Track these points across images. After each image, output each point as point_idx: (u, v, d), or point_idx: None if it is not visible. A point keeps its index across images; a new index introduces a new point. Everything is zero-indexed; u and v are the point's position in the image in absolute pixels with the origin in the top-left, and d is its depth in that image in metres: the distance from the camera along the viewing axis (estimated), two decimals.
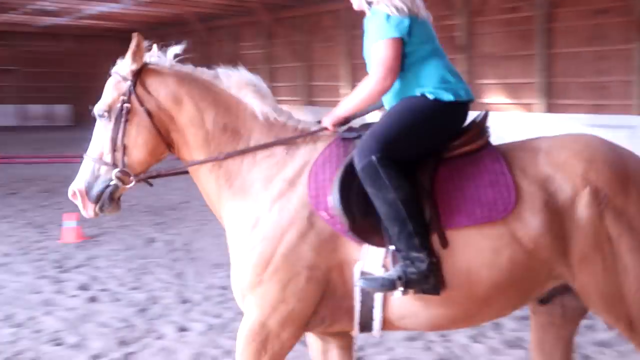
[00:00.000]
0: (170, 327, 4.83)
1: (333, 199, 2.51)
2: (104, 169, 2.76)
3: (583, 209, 2.45)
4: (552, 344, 2.77)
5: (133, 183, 2.77)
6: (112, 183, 2.75)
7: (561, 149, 2.57)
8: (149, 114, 2.74)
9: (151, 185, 2.96)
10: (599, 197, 2.44)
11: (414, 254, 2.44)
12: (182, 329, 4.81)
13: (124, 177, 2.76)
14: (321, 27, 23.12)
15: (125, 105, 2.74)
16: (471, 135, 2.66)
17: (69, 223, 7.67)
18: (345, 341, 2.85)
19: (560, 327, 2.76)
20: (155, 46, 2.90)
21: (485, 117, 2.74)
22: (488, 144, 2.68)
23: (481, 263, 2.47)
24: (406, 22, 2.62)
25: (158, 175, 2.87)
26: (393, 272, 2.45)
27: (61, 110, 34.22)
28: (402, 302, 2.54)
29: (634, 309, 2.46)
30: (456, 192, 2.52)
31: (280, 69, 25.69)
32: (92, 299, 5.54)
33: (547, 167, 2.52)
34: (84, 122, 33.72)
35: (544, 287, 2.59)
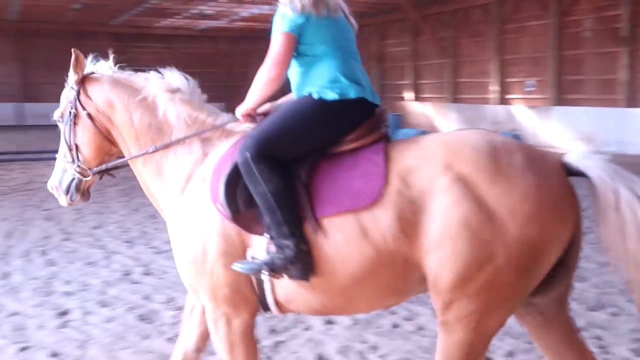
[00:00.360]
0: (318, 319, 4.94)
1: (220, 192, 2.74)
2: (68, 165, 3.22)
3: (437, 197, 2.47)
4: (554, 341, 2.74)
5: (90, 177, 3.22)
6: (75, 177, 3.21)
7: (436, 142, 2.63)
8: (90, 116, 3.17)
9: (114, 176, 3.41)
10: (460, 186, 2.45)
11: (283, 241, 2.62)
12: (329, 322, 4.91)
13: (82, 171, 3.21)
14: (470, 22, 22.54)
15: (72, 110, 3.20)
16: (361, 132, 2.77)
17: None
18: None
19: (551, 322, 2.72)
20: (92, 56, 3.39)
21: (380, 114, 2.84)
22: (381, 139, 2.76)
23: (346, 250, 2.58)
24: (299, 20, 2.78)
25: (107, 170, 3.27)
26: (265, 257, 2.66)
27: (217, 108, 36.18)
28: (285, 287, 2.72)
29: (470, 293, 2.47)
30: (330, 183, 2.66)
31: (426, 66, 25.37)
32: None
33: (416, 160, 2.59)
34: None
35: (407, 280, 2.60)
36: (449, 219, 2.45)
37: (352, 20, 3.01)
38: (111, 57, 3.39)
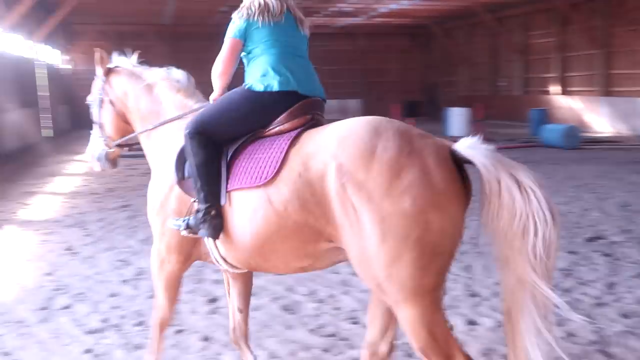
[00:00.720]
0: (460, 319, 4.85)
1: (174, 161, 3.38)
2: (98, 140, 4.02)
3: (330, 181, 2.79)
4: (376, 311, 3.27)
5: (113, 149, 4.01)
6: (103, 149, 4.00)
7: (333, 131, 2.96)
8: (111, 102, 3.94)
9: (129, 150, 4.10)
10: (342, 172, 2.75)
11: (199, 205, 3.19)
12: (471, 323, 4.81)
13: (107, 144, 4.01)
14: (625, 10, 21.01)
15: (99, 97, 3.98)
16: (284, 119, 3.19)
17: None
18: (243, 278, 3.84)
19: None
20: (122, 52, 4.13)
21: (305, 104, 3.23)
22: (302, 126, 3.15)
23: (246, 218, 3.05)
24: (243, 27, 3.35)
25: (124, 144, 4.02)
26: (186, 217, 3.27)
27: (352, 104, 36.57)
28: (221, 246, 3.26)
29: (379, 273, 2.70)
30: (245, 162, 3.13)
31: (574, 57, 24.02)
32: None
33: (316, 147, 2.92)
34: (372, 114, 35.80)
35: (317, 247, 2.95)
36: (340, 202, 2.76)
37: (304, 23, 3.52)
38: (135, 54, 4.07)
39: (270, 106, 3.23)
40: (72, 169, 14.87)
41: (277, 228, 2.96)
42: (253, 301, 5.32)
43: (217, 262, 3.37)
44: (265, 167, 3.03)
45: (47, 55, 26.11)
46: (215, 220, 3.15)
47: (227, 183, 3.16)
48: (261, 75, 3.29)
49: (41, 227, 8.35)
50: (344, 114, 34.23)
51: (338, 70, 36.45)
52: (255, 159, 3.09)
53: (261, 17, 3.33)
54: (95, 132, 4.04)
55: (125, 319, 5.03)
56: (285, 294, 5.57)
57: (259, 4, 3.35)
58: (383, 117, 2.96)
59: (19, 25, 20.40)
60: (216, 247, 3.28)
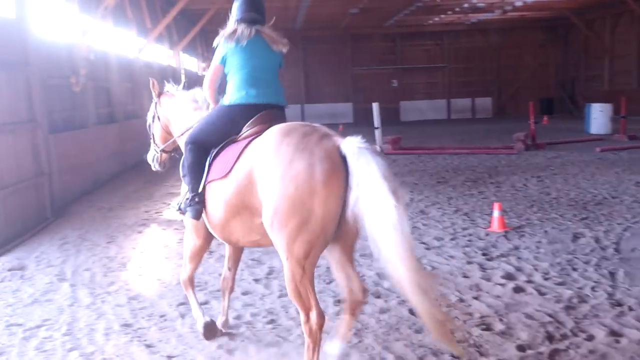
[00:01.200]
0: (601, 330, 4.55)
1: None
2: (153, 146, 5.30)
3: (256, 171, 3.71)
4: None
5: (159, 153, 5.25)
6: (155, 154, 5.28)
7: (263, 135, 3.85)
8: (159, 118, 5.16)
9: (172, 155, 5.30)
10: (259, 166, 3.68)
11: (188, 194, 4.21)
12: (615, 334, 4.49)
13: (157, 149, 5.26)
14: None
15: (153, 114, 5.25)
16: (250, 126, 4.07)
17: (495, 212, 7.92)
18: (237, 250, 4.80)
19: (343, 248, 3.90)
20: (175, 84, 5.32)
21: (263, 115, 4.07)
22: (261, 132, 3.93)
23: (214, 202, 4.02)
24: (222, 54, 4.25)
25: (167, 150, 5.25)
26: (180, 202, 4.37)
27: (482, 102, 35.54)
28: (207, 224, 4.23)
29: (273, 238, 3.66)
30: (219, 161, 4.02)
31: None
32: (518, 289, 5.60)
33: (256, 148, 3.79)
34: (503, 114, 34.54)
35: (255, 221, 3.82)
36: (260, 186, 3.68)
37: (277, 43, 4.30)
38: (182, 83, 5.29)
39: (237, 117, 4.13)
40: None
41: (229, 209, 3.92)
42: (381, 303, 5.34)
43: (215, 236, 4.34)
44: (227, 164, 3.93)
45: (187, 63, 27.64)
46: (197, 205, 4.15)
47: (207, 177, 4.09)
48: (230, 92, 4.22)
49: (181, 227, 8.83)
50: (474, 113, 33.30)
51: (469, 68, 35.58)
52: (224, 158, 3.99)
53: (234, 43, 4.17)
54: (151, 141, 5.33)
55: (257, 316, 5.20)
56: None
57: (231, 32, 4.23)
58: (299, 123, 3.76)
59: (163, 37, 21.80)
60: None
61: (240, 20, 4.27)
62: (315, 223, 3.44)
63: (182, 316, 5.29)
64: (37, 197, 9.49)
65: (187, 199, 4.19)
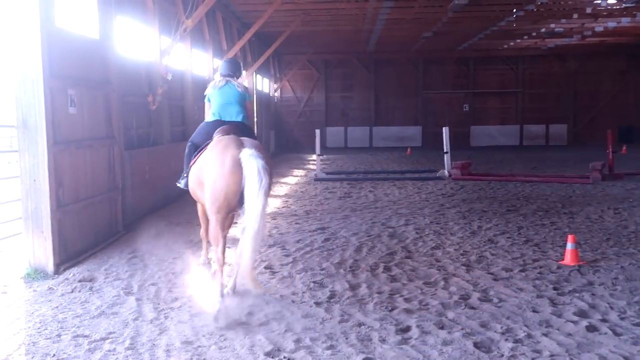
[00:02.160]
0: None
1: None
2: None
3: (202, 164, 6.32)
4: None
5: None
6: None
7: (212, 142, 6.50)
8: None
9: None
10: (196, 168, 6.57)
11: (183, 174, 7.19)
12: None
13: None
14: None
15: None
16: (215, 134, 6.65)
17: (568, 245, 7.59)
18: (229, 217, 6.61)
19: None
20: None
21: (222, 128, 6.72)
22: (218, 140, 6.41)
23: (191, 177, 6.67)
24: (208, 95, 7.27)
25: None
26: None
27: (557, 129, 34.53)
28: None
29: (204, 202, 6.42)
30: (199, 154, 6.63)
31: None
32: (591, 328, 5.31)
33: (206, 150, 6.45)
34: (579, 142, 33.41)
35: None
36: (203, 173, 6.17)
37: (240, 87, 7.23)
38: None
39: (210, 128, 6.92)
40: (276, 190, 15.75)
41: (194, 181, 6.53)
42: (444, 335, 5.16)
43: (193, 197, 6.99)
44: (197, 156, 6.64)
45: (259, 84, 28.13)
46: (185, 179, 7.00)
47: (191, 163, 6.76)
48: (208, 115, 7.21)
49: None
50: (548, 139, 32.22)
51: (544, 94, 34.66)
52: (199, 153, 6.62)
53: (213, 89, 7.24)
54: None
55: (317, 341, 5.12)
56: (480, 330, 5.30)
57: (213, 83, 7.29)
58: (226, 137, 6.23)
59: (238, 58, 22.25)
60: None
61: (221, 75, 7.42)
62: (222, 195, 5.86)
63: (244, 335, 5.27)
64: (110, 211, 9.77)
65: (182, 175, 7.22)
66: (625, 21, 23.15)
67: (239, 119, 7.05)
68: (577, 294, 6.29)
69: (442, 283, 6.78)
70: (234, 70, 7.41)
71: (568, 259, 7.54)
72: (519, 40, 29.58)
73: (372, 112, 34.58)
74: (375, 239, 9.22)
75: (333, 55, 33.94)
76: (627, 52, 33.60)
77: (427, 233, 9.56)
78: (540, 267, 7.39)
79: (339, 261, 7.80)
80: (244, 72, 9.98)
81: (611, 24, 24.03)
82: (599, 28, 25.15)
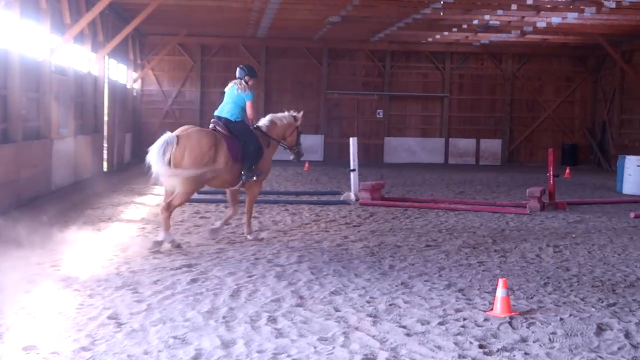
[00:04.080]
0: None
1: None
2: None
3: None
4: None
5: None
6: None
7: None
8: None
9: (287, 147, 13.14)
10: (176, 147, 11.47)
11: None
12: None
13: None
14: None
15: None
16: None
17: (499, 291, 7.83)
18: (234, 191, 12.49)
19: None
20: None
21: (213, 121, 12.13)
22: (213, 128, 12.06)
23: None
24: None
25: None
26: None
27: (490, 145, 36.00)
28: None
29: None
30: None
31: None
32: None
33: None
34: (515, 161, 34.91)
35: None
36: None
37: (239, 89, 11.99)
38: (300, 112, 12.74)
39: (213, 120, 12.20)
40: (129, 213, 15.36)
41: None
42: None
43: None
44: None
45: (112, 72, 27.49)
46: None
47: None
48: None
49: (82, 287, 8.58)
50: (480, 158, 33.37)
51: (476, 101, 36.07)
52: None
53: (225, 89, 12.31)
54: None
55: None
56: None
57: (227, 86, 12.21)
58: (194, 128, 11.69)
59: (85, 36, 21.68)
60: None
61: (236, 78, 12.06)
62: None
63: None
64: None
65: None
66: (571, 17, 24.54)
67: (228, 115, 11.82)
68: (507, 353, 6.49)
69: (341, 339, 6.80)
70: (242, 75, 12.03)
71: (498, 308, 7.78)
72: (446, 33, 30.69)
73: (261, 114, 34.59)
74: (258, 280, 9.16)
75: (213, 39, 33.84)
76: (573, 54, 35.66)
77: (325, 274, 9.60)
78: (464, 319, 7.58)
79: (208, 309, 7.67)
80: (256, 75, 12.71)
81: (555, 19, 25.41)
82: (541, 24, 26.53)
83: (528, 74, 36.43)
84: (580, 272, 10.17)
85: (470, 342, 6.79)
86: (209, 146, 11.20)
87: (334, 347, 6.55)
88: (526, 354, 6.51)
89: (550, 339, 6.96)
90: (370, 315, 7.65)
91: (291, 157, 13.19)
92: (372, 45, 34.60)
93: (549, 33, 29.43)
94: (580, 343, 6.87)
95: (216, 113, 11.95)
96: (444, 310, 7.94)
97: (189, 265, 9.91)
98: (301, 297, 8.35)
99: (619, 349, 6.73)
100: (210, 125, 11.89)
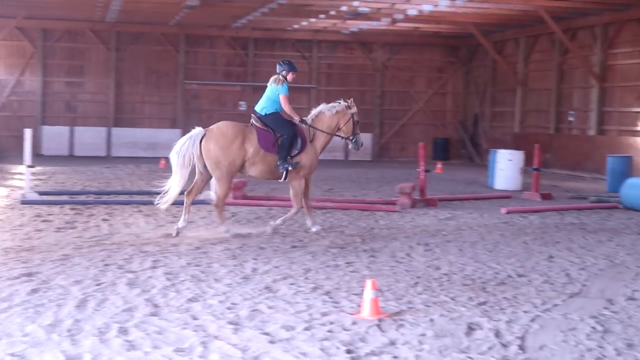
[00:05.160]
0: None
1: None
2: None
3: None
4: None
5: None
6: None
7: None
8: None
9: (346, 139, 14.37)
10: (206, 142, 13.22)
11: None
12: None
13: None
14: None
15: None
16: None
17: (367, 293, 8.01)
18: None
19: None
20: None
21: (254, 116, 13.61)
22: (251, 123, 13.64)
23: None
24: None
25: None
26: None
27: (365, 139, 36.63)
28: None
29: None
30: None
31: None
32: None
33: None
34: (385, 156, 35.55)
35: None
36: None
37: (274, 83, 13.41)
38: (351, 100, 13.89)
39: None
40: None
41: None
42: None
43: None
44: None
45: None
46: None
47: None
48: None
49: None
50: (349, 153, 34.00)
51: (345, 93, 36.52)
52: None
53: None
54: None
55: None
56: None
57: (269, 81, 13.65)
58: (228, 122, 13.58)
59: None
60: None
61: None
62: (222, 161, 12.97)
63: None
64: None
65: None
66: (443, 4, 25.39)
67: (259, 109, 13.29)
68: (376, 357, 6.65)
69: (199, 349, 6.77)
70: (281, 70, 13.33)
71: (366, 311, 7.95)
72: (313, 20, 31.05)
73: (111, 106, 34.00)
74: (107, 288, 8.98)
75: (56, 23, 32.86)
76: (445, 43, 36.85)
77: (182, 279, 9.53)
78: (331, 323, 7.71)
79: (51, 322, 7.46)
80: (295, 68, 13.78)
81: (427, 7, 26.20)
82: (412, 11, 27.28)
83: (399, 65, 37.32)
84: (451, 270, 10.54)
85: (337, 347, 6.92)
86: (234, 135, 12.80)
87: (191, 359, 6.53)
88: (395, 357, 6.69)
89: (419, 341, 7.18)
90: (231, 323, 7.66)
91: (350, 147, 14.50)
92: (234, 32, 34.54)
93: (420, 21, 30.28)
94: (450, 344, 7.12)
95: (256, 107, 13.43)
96: (309, 314, 8.05)
97: (29, 274, 9.59)
98: (155, 306, 8.26)
99: (489, 348, 7.02)
100: (251, 121, 13.44)
